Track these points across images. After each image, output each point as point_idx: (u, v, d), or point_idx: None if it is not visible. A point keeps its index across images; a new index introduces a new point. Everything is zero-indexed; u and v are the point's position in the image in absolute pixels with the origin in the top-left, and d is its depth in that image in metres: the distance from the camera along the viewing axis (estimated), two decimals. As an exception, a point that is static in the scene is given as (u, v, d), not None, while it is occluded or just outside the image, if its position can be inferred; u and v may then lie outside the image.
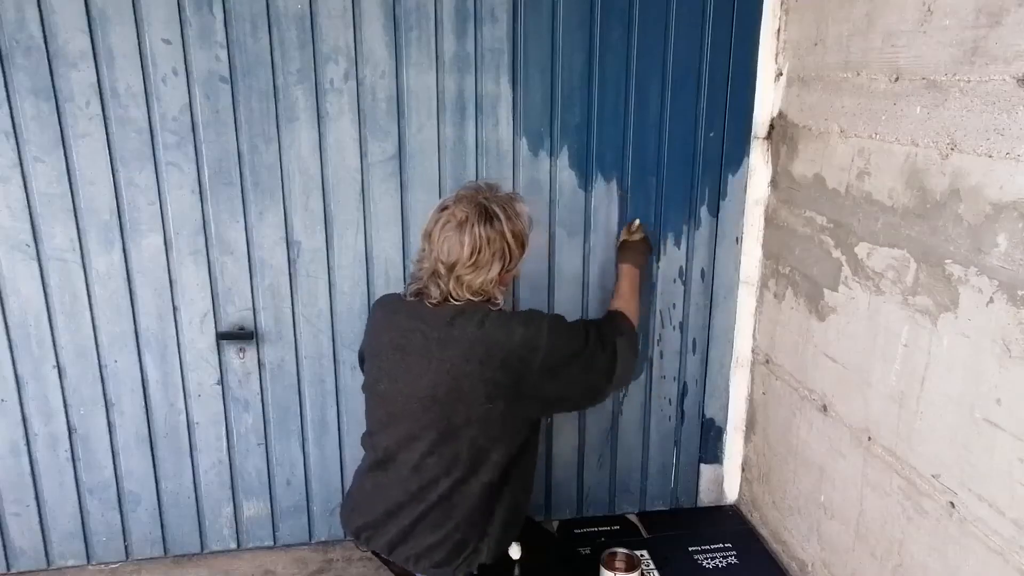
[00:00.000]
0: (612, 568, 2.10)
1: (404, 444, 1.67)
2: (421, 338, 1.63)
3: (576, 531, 2.45)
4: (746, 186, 2.32)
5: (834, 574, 2.04)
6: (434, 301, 1.64)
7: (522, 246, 1.68)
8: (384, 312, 1.76)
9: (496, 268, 1.63)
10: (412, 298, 1.70)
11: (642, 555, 2.28)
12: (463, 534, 1.66)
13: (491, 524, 1.69)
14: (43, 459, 2.19)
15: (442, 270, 1.62)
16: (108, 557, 2.31)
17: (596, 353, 1.72)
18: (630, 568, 2.10)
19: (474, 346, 1.59)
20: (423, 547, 1.67)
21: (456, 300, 1.64)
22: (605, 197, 2.25)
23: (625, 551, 2.14)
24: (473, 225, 1.60)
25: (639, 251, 2.17)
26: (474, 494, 1.66)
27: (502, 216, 1.63)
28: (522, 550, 1.77)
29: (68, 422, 2.18)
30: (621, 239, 2.23)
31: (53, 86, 1.92)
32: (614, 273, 2.21)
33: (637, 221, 2.25)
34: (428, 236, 1.66)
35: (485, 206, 1.63)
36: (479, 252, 1.60)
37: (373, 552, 1.80)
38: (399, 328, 1.68)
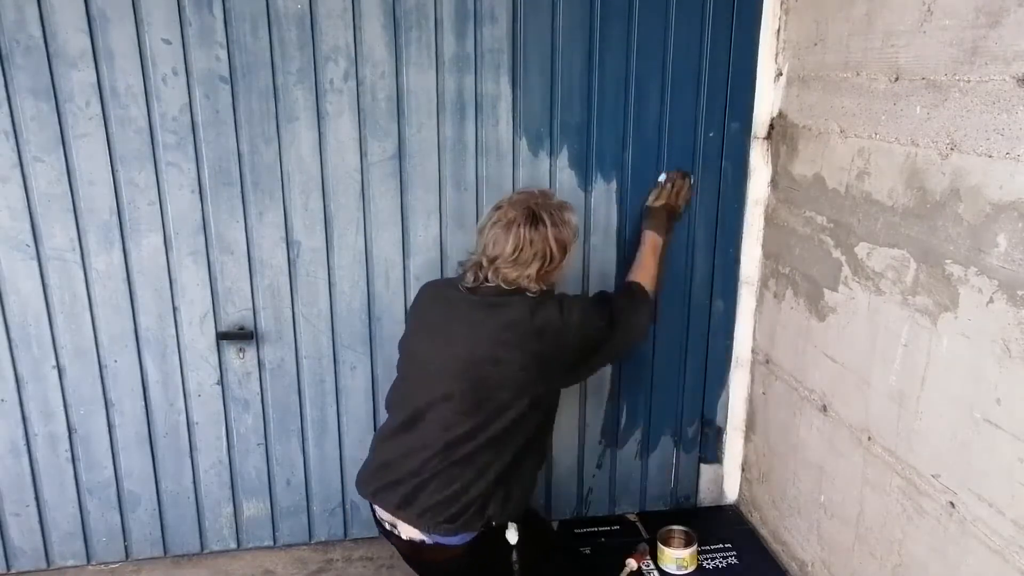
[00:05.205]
0: (669, 545, 2.22)
1: (437, 402, 1.77)
2: (467, 306, 1.81)
3: (576, 531, 2.44)
4: (746, 186, 2.32)
5: (834, 574, 2.04)
6: (468, 286, 1.82)
7: (563, 251, 1.82)
8: (435, 287, 1.97)
9: (534, 267, 1.78)
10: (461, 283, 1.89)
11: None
12: (476, 492, 1.74)
13: (502, 487, 1.78)
14: (43, 459, 2.19)
15: (484, 263, 1.79)
16: (108, 557, 2.31)
17: (613, 331, 1.90)
18: (687, 544, 2.22)
19: (517, 321, 1.75)
20: (432, 502, 1.74)
21: (489, 283, 1.81)
22: (605, 197, 2.25)
23: (682, 528, 2.27)
24: (519, 226, 1.76)
25: (660, 217, 2.20)
26: (497, 458, 1.76)
27: (547, 221, 1.78)
28: (520, 536, 1.82)
29: (68, 422, 2.18)
30: (646, 203, 2.25)
31: (53, 86, 1.92)
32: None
33: (663, 177, 2.23)
34: (480, 231, 1.84)
35: (534, 210, 1.78)
36: (521, 251, 1.76)
37: (379, 528, 1.89)
38: (448, 298, 1.86)
